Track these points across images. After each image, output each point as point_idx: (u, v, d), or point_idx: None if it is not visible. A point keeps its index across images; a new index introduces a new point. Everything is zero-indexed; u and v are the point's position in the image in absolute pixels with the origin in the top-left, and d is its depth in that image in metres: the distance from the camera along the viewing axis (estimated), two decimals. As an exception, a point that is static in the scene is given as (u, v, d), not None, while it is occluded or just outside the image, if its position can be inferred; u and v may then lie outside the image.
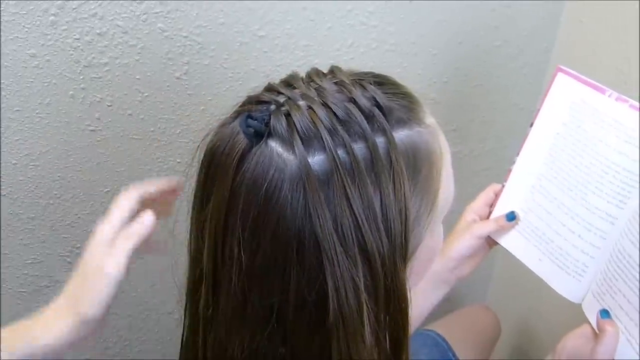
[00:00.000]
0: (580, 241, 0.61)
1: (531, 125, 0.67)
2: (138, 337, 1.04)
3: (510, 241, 0.69)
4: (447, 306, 0.92)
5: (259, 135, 0.38)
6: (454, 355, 0.86)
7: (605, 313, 0.56)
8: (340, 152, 0.37)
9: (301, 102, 0.40)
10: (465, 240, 0.69)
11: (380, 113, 0.40)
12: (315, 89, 0.41)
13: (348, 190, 0.37)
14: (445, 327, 0.91)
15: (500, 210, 0.70)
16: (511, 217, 0.67)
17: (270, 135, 0.38)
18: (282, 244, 0.37)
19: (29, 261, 0.89)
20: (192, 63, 0.80)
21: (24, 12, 0.70)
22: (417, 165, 0.41)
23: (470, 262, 0.71)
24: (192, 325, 0.46)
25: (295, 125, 0.38)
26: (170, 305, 1.02)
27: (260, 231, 0.38)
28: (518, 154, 0.68)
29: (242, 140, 0.39)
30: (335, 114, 0.39)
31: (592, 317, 0.58)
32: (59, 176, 0.83)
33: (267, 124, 0.38)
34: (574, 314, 0.62)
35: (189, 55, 0.79)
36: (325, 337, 0.38)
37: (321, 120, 0.38)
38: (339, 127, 0.38)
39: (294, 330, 0.40)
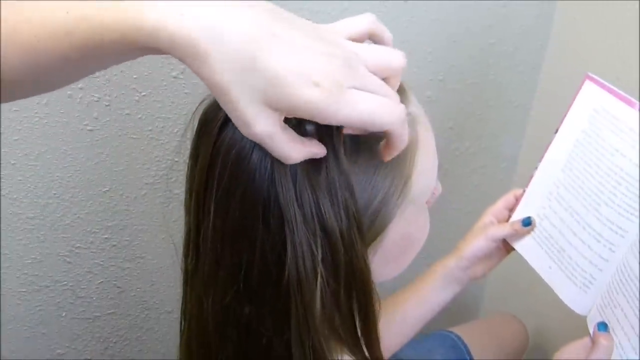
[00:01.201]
0: (590, 252, 0.59)
1: (556, 131, 0.65)
2: (138, 336, 1.05)
3: (524, 247, 0.67)
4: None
5: None
6: (471, 359, 0.85)
7: (602, 326, 0.55)
8: (309, 129, 0.39)
9: None
10: (479, 241, 0.69)
11: None
12: None
13: (311, 166, 0.38)
14: (466, 331, 0.90)
15: (518, 214, 0.69)
16: (527, 222, 0.66)
17: None
18: (249, 207, 0.39)
19: (29, 261, 0.90)
20: (189, 62, 0.80)
21: (22, 13, 0.71)
22: None
23: (483, 264, 0.70)
24: (183, 278, 0.49)
25: None
26: (169, 304, 1.03)
27: (232, 192, 0.40)
28: (540, 159, 0.67)
29: None
30: None
31: (592, 329, 0.57)
32: (57, 176, 0.84)
33: None
34: (570, 314, 0.62)
35: (186, 54, 0.80)
36: (287, 302, 0.40)
37: None
38: None
39: (258, 292, 0.42)
